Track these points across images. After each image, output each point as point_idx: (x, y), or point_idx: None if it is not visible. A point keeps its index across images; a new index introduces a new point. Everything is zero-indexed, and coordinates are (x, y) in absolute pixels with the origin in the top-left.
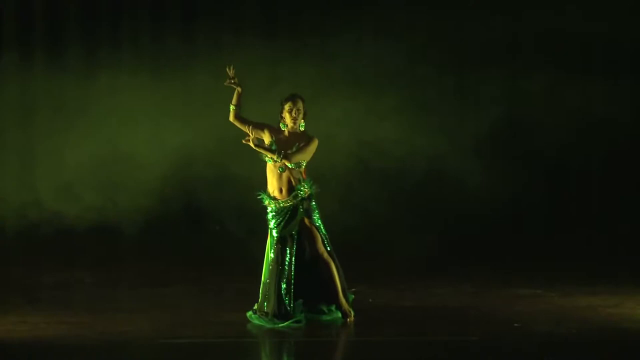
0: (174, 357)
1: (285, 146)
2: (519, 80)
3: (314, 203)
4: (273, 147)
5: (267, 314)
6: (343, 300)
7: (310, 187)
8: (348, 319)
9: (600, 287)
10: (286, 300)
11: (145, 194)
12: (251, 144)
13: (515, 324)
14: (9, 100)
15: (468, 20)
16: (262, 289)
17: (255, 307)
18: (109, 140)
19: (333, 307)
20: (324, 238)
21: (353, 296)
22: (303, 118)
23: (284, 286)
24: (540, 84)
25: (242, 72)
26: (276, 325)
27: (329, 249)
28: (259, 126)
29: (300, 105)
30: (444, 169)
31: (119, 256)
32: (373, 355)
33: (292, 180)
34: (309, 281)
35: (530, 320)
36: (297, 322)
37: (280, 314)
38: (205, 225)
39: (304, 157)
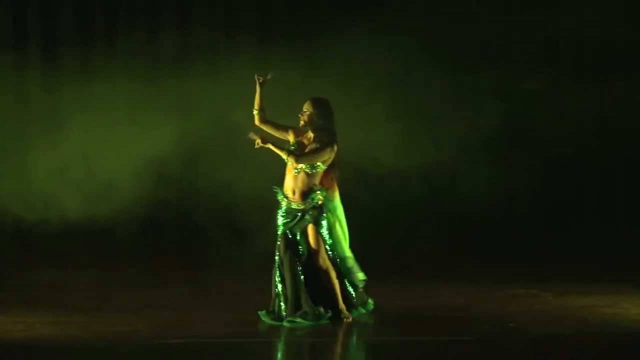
0: (169, 358)
1: (303, 146)
2: (518, 82)
3: (324, 214)
4: (292, 148)
5: (272, 311)
6: (343, 307)
7: (325, 197)
8: (345, 320)
9: (596, 287)
10: (303, 298)
11: (140, 194)
12: (257, 140)
13: (511, 324)
14: (4, 99)
15: (464, 22)
16: (278, 291)
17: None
18: (104, 139)
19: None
20: (328, 249)
21: (372, 301)
22: (313, 121)
23: (282, 285)
24: (540, 85)
25: (237, 74)
26: (276, 323)
27: (330, 257)
28: (284, 128)
29: (306, 106)
30: (440, 169)
31: (115, 256)
32: (368, 355)
33: (307, 185)
34: (315, 287)
35: (526, 320)
36: (291, 321)
37: (279, 312)
38: (200, 225)
39: (312, 160)
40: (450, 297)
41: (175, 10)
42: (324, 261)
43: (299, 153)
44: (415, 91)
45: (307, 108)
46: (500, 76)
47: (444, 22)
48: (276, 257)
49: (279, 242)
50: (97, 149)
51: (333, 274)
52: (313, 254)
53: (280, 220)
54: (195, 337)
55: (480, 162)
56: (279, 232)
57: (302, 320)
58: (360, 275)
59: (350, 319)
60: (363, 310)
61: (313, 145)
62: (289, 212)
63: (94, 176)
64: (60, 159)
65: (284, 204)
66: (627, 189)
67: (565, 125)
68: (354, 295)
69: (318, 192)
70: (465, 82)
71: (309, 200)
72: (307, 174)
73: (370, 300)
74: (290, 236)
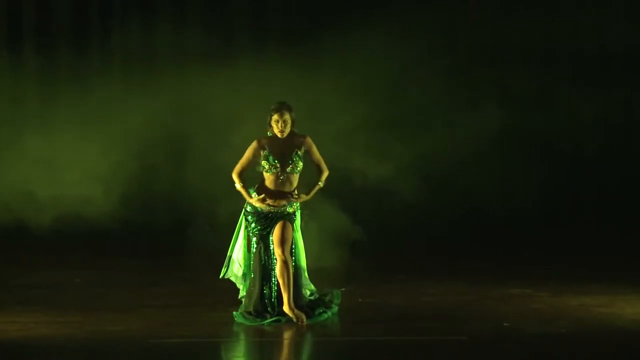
0: (165, 357)
1: (282, 151)
2: (517, 83)
3: (298, 216)
4: (320, 183)
5: (249, 312)
6: (292, 304)
7: (296, 207)
8: (300, 322)
9: (591, 286)
10: (272, 300)
11: (136, 194)
12: (266, 204)
13: (505, 324)
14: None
15: (462, 24)
16: (246, 287)
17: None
18: (99, 138)
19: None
20: (293, 246)
21: (339, 295)
22: (292, 126)
23: (267, 286)
24: (539, 86)
25: (234, 76)
26: (257, 324)
27: (293, 257)
28: (250, 161)
29: (287, 116)
30: (439, 170)
31: (109, 256)
32: (362, 355)
33: (293, 184)
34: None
35: (521, 319)
36: (277, 321)
37: (261, 312)
38: (194, 224)
39: (321, 162)
40: (446, 296)
41: (171, 12)
42: (288, 256)
43: (323, 175)
44: (414, 92)
45: (289, 118)
46: (500, 78)
47: (444, 24)
48: (253, 253)
49: (256, 245)
50: (93, 148)
51: (291, 270)
52: (279, 243)
53: (254, 224)
54: (192, 337)
55: (479, 162)
56: (255, 239)
57: (241, 317)
58: (311, 286)
59: (304, 319)
60: (335, 309)
61: (296, 144)
62: (265, 218)
63: (90, 175)
64: (56, 158)
65: (262, 208)
66: (625, 189)
67: (565, 126)
68: (327, 297)
69: (295, 196)
70: (464, 83)
71: (286, 202)
72: (291, 175)
73: (336, 295)
74: (263, 242)
